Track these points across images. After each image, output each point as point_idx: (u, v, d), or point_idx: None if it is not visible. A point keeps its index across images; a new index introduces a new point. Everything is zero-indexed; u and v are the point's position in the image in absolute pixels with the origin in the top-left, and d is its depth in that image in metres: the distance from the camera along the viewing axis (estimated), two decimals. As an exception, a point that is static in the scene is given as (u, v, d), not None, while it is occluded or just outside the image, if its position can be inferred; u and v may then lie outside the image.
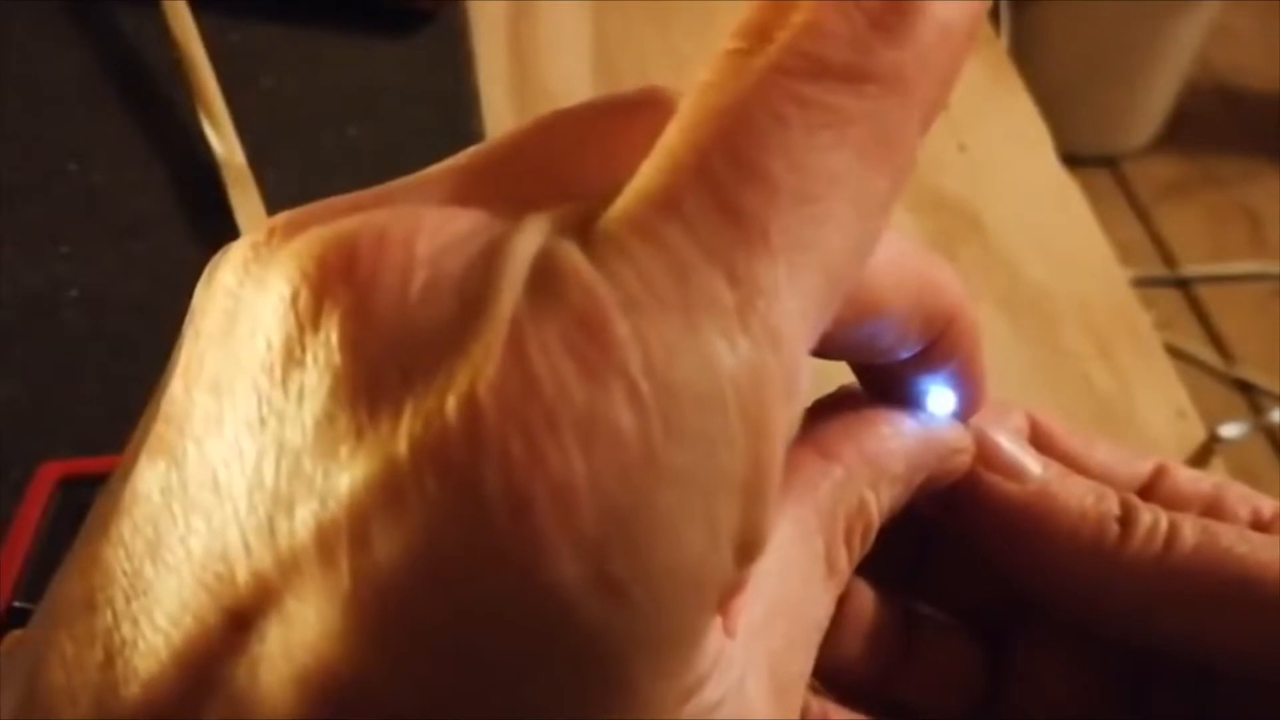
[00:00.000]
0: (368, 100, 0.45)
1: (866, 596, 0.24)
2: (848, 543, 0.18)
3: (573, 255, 0.12)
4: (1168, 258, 1.42)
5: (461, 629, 0.12)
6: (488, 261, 0.12)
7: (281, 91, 0.44)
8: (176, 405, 0.14)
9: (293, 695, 0.12)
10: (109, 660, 0.13)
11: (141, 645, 0.13)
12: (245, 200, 0.40)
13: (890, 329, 0.18)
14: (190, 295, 0.15)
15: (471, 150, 0.15)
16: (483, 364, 0.12)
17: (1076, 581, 0.22)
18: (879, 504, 0.19)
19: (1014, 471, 0.21)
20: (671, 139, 0.13)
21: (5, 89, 0.43)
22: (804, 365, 0.13)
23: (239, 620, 0.12)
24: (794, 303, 0.13)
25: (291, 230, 0.13)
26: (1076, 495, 0.21)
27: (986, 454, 0.22)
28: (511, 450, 0.11)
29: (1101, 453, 0.23)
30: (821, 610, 0.18)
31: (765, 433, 0.13)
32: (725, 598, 0.13)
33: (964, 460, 0.21)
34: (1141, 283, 1.36)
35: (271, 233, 0.14)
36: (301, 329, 0.12)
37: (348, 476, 0.12)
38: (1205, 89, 1.60)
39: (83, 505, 0.19)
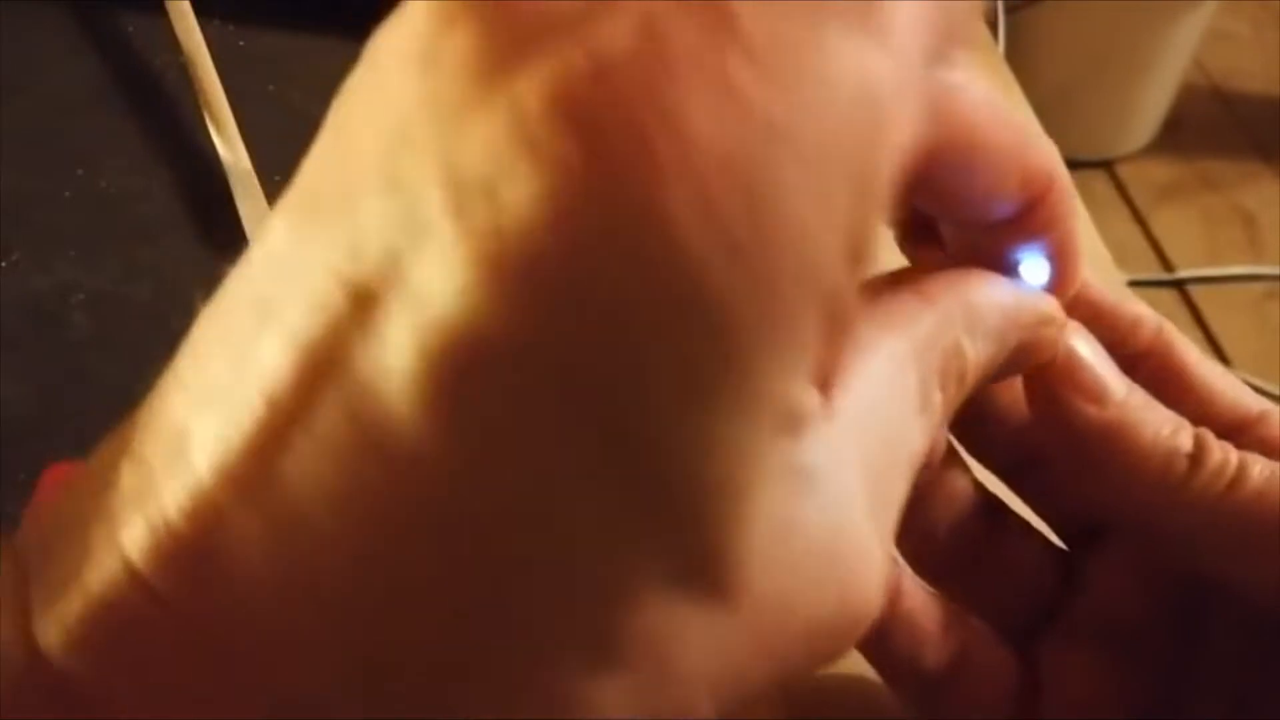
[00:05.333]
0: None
1: (960, 484, 0.24)
2: (942, 383, 0.18)
3: None
4: (1164, 260, 1.43)
5: (584, 276, 0.12)
6: None
7: (288, 98, 0.44)
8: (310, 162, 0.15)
9: (416, 363, 0.12)
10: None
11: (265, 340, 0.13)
12: (252, 206, 0.40)
13: (987, 173, 0.18)
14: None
15: None
16: (613, 28, 0.12)
17: (1141, 509, 0.22)
18: (974, 351, 0.19)
19: (1094, 393, 0.21)
20: None
21: (14, 96, 0.43)
22: (916, 87, 0.13)
23: (363, 298, 0.12)
24: (915, 13, 0.13)
25: None
26: (1152, 425, 0.21)
27: (1071, 371, 0.21)
28: (635, 95, 0.12)
29: (1210, 377, 0.23)
30: (915, 443, 0.18)
31: (878, 132, 0.13)
32: (825, 361, 0.14)
33: (1053, 333, 0.21)
34: (1138, 285, 1.37)
35: None
36: (440, 23, 0.13)
37: (478, 134, 0.12)
38: (1201, 92, 1.60)
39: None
